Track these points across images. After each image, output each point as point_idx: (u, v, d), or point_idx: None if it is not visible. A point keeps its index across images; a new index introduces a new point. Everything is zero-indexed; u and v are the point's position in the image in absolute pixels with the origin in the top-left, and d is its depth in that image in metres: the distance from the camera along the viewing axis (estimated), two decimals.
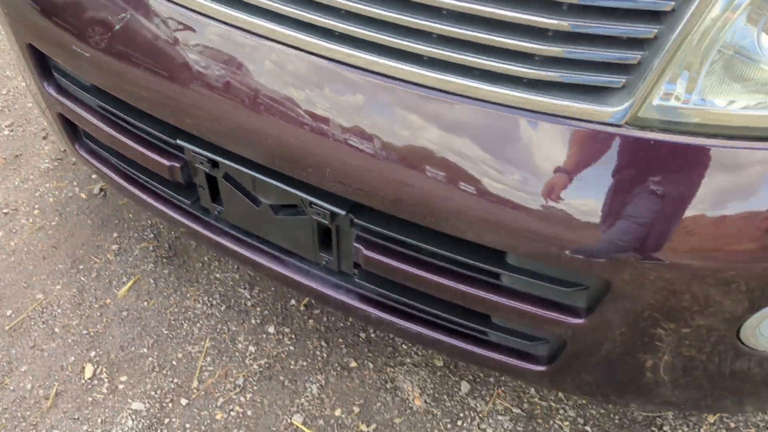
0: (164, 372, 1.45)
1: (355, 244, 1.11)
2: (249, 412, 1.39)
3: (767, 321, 0.96)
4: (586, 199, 0.88)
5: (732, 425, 1.39)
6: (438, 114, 0.90)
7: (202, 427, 1.37)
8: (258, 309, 1.56)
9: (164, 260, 1.65)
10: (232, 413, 1.39)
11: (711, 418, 1.39)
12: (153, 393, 1.41)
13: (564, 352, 1.09)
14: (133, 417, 1.38)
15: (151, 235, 1.70)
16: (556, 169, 0.87)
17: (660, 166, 0.85)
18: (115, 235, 1.70)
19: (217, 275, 1.62)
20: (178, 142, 1.16)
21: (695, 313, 0.94)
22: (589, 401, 1.42)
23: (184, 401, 1.40)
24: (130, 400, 1.40)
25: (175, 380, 1.44)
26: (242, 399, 1.41)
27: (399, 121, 0.92)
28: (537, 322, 1.04)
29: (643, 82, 0.82)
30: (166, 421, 1.38)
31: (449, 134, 0.91)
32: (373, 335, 1.52)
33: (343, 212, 1.06)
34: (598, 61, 0.83)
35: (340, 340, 1.51)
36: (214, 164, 1.16)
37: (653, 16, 0.79)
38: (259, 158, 1.07)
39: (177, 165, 1.21)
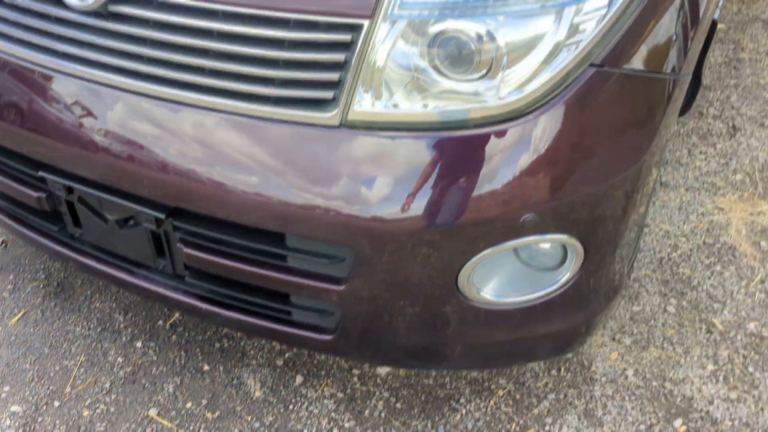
0: (42, 382, 1.69)
1: (178, 245, 1.41)
2: (112, 409, 1.63)
3: (478, 268, 1.26)
4: (326, 187, 1.20)
5: (518, 397, 1.67)
6: (216, 128, 1.23)
7: (70, 423, 1.60)
8: (129, 329, 1.82)
9: (52, 295, 1.91)
10: (98, 410, 1.63)
11: (500, 392, 1.67)
12: (30, 398, 1.65)
13: (341, 321, 1.38)
14: (11, 418, 1.61)
15: (43, 276, 1.97)
16: (297, 164, 1.20)
17: (372, 154, 1.18)
18: (11, 277, 1.97)
19: (97, 305, 1.89)
20: (40, 173, 1.46)
21: (422, 269, 1.25)
22: (389, 367, 1.69)
23: (56, 403, 1.64)
24: (9, 405, 1.64)
25: (51, 387, 1.68)
26: (107, 399, 1.65)
27: (188, 136, 1.24)
28: (314, 293, 1.34)
29: (344, 95, 1.16)
30: (40, 419, 1.61)
31: (224, 144, 1.23)
32: (226, 345, 1.79)
33: (163, 216, 1.37)
34: (315, 80, 1.17)
35: (198, 349, 1.77)
36: (70, 190, 1.46)
37: (341, 46, 1.14)
38: (99, 178, 1.37)
39: (43, 195, 1.50)
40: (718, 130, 2.53)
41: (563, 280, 1.33)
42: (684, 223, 2.14)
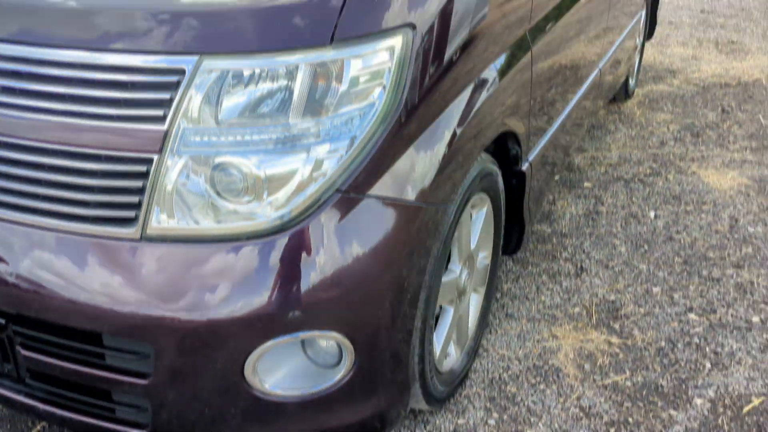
0: None
1: (17, 348, 1.63)
2: None
3: (263, 362, 1.49)
4: (129, 290, 1.46)
5: None
6: (41, 244, 1.51)
7: None
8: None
9: None
10: None
11: None
12: None
13: (153, 416, 1.58)
14: None
15: None
16: (107, 272, 1.47)
17: (165, 262, 1.45)
18: None
19: None
20: None
21: (212, 362, 1.48)
22: None
23: None
24: None
25: None
26: None
27: (17, 252, 1.52)
28: (127, 388, 1.55)
29: (142, 214, 1.45)
30: None
31: (48, 257, 1.50)
32: None
33: (3, 321, 1.60)
34: (119, 203, 1.46)
35: None
36: None
37: (138, 175, 1.45)
38: None
39: None
40: (567, 270, 2.83)
41: (338, 376, 1.56)
42: (520, 349, 2.38)
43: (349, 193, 1.47)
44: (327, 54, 1.42)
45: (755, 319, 2.55)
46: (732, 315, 2.56)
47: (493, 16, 1.85)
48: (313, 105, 1.43)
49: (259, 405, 1.54)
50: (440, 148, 1.64)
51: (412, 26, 1.51)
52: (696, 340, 2.44)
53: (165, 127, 1.41)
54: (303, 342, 1.57)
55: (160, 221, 1.45)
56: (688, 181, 3.60)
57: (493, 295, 2.42)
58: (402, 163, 1.55)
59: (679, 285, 2.74)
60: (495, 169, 2.04)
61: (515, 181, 2.29)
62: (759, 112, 4.54)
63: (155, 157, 1.43)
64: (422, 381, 1.84)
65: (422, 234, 1.61)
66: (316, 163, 1.44)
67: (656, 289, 2.72)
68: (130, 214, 1.46)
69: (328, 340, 1.56)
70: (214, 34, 1.40)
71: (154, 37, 1.40)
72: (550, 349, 2.39)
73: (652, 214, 3.29)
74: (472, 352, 2.25)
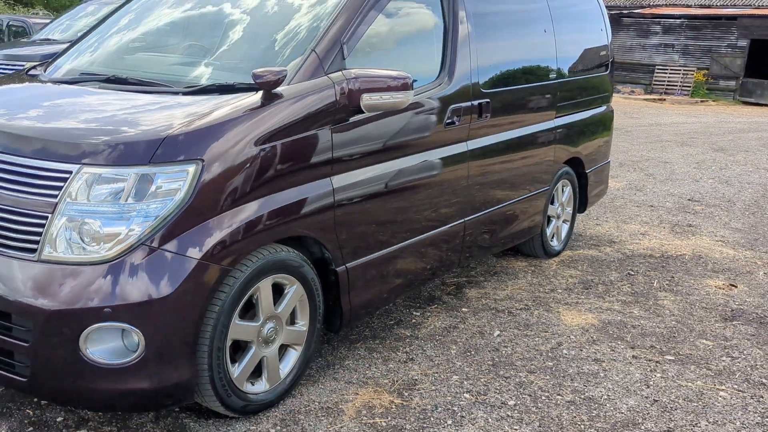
0: None
1: None
2: None
3: (92, 335, 2.61)
4: (25, 289, 2.66)
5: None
6: None
7: None
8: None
9: None
10: None
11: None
12: None
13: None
14: None
15: None
16: (15, 279, 2.68)
17: (48, 275, 2.65)
18: None
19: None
20: None
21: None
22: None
23: None
24: None
25: None
26: None
27: None
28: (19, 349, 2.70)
29: (39, 246, 2.67)
30: None
31: None
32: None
33: None
34: (23, 238, 2.69)
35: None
36: None
37: (42, 218, 2.67)
38: None
39: None
40: (400, 357, 3.80)
41: (134, 356, 2.65)
42: (324, 397, 3.35)
43: (150, 245, 2.64)
44: (147, 169, 2.66)
45: (510, 402, 3.41)
46: (496, 398, 3.44)
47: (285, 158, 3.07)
48: (136, 196, 2.65)
49: (83, 364, 2.64)
50: (221, 233, 2.79)
51: (202, 160, 2.74)
52: (457, 409, 3.33)
53: (57, 199, 2.66)
54: (122, 332, 2.67)
55: (49, 251, 2.66)
56: (547, 317, 4.49)
57: (312, 358, 3.42)
58: (192, 234, 2.71)
59: (473, 377, 3.64)
60: (297, 260, 3.15)
61: (333, 278, 3.38)
62: (657, 277, 5.36)
63: (49, 215, 2.67)
64: (213, 387, 2.87)
65: (202, 280, 2.72)
66: (131, 228, 2.63)
67: (455, 377, 3.63)
68: (34, 246, 2.68)
69: (133, 334, 2.66)
70: (89, 153, 2.68)
71: (61, 151, 2.70)
72: (346, 399, 3.34)
73: (496, 332, 4.21)
74: (283, 392, 3.25)
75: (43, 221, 2.67)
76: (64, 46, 8.45)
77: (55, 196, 2.67)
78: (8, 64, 8.26)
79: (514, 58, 4.68)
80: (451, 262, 4.35)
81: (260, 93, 3.02)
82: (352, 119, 3.33)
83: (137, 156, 2.68)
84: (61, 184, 2.67)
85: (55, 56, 4.10)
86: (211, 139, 2.79)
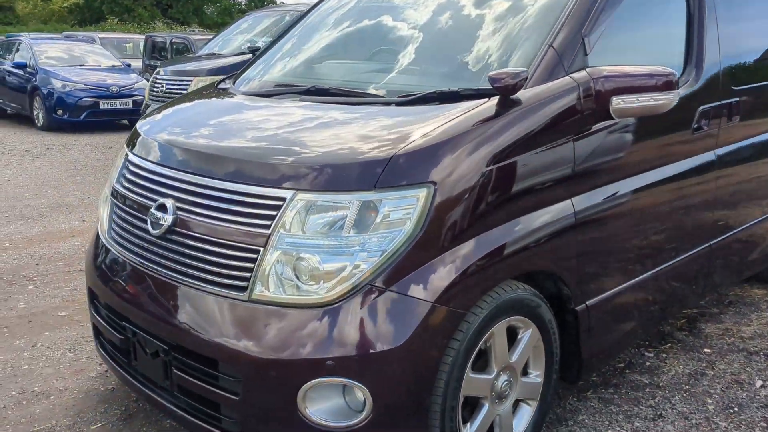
0: None
1: (173, 369, 2.50)
2: None
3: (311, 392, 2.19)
4: (236, 334, 2.29)
5: None
6: (193, 300, 2.41)
7: None
8: None
9: (123, 416, 3.04)
10: None
11: None
12: None
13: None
14: None
15: (123, 407, 3.13)
16: (224, 322, 2.31)
17: (260, 318, 2.27)
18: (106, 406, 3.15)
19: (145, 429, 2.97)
20: (123, 323, 2.70)
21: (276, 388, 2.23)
22: None
23: None
24: None
25: None
26: None
27: (178, 304, 2.44)
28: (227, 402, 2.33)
29: (250, 284, 2.30)
30: None
31: (195, 309, 2.40)
32: None
33: (167, 348, 2.49)
34: (231, 274, 2.32)
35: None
36: (133, 333, 2.66)
37: (253, 251, 2.30)
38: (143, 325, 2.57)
39: (123, 337, 2.72)
40: (645, 414, 3.14)
41: (359, 418, 2.20)
42: None
43: (377, 285, 2.19)
44: (371, 195, 2.21)
45: None
46: None
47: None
48: (359, 227, 2.21)
49: (303, 426, 2.22)
50: (455, 270, 2.29)
51: (434, 183, 2.25)
52: None
53: (269, 230, 2.27)
54: (344, 388, 2.24)
55: (260, 290, 2.27)
56: None
57: (547, 412, 2.85)
58: (422, 272, 2.24)
59: None
60: (534, 299, 2.60)
61: (572, 318, 2.80)
62: None
63: (261, 249, 2.28)
64: None
65: (435, 327, 2.24)
66: (356, 264, 2.19)
67: None
68: (243, 283, 2.30)
69: (357, 390, 2.21)
70: (304, 177, 2.27)
71: (273, 175, 2.31)
72: None
73: (759, 383, 3.45)
74: None
75: (255, 255, 2.29)
76: (228, 59, 8.70)
77: (268, 227, 2.28)
78: (176, 80, 8.40)
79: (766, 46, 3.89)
80: (696, 294, 3.63)
81: (494, 100, 2.50)
82: (595, 127, 2.74)
83: (360, 180, 2.24)
84: (274, 212, 2.28)
85: (241, 69, 3.81)
86: (444, 157, 2.30)
